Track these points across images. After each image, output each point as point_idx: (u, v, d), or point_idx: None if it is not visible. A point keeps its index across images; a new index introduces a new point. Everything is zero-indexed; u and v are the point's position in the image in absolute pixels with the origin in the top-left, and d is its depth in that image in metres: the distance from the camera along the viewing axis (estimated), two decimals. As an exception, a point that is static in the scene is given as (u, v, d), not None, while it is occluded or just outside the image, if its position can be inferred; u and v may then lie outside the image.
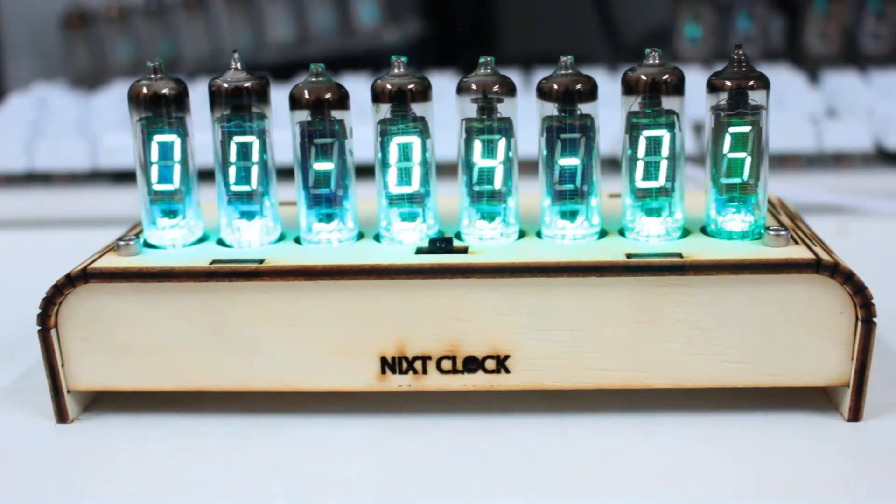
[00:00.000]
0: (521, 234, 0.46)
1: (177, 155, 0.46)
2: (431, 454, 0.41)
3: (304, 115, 0.45)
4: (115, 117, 0.87)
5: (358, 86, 0.87)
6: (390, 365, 0.43)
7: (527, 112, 0.46)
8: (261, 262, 0.43)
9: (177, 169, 0.46)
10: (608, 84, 0.53)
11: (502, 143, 0.45)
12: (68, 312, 0.43)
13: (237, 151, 0.45)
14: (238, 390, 0.44)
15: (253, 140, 0.45)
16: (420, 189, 0.45)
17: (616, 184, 0.47)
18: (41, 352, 0.43)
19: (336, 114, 0.45)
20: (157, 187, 0.46)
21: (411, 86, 0.44)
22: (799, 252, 0.42)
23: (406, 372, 0.43)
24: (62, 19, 1.09)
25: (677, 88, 0.44)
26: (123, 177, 0.83)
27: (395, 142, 0.45)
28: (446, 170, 0.54)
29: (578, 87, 0.44)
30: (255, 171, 0.46)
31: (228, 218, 0.46)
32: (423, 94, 0.45)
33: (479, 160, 0.45)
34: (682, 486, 0.38)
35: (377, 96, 0.45)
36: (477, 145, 0.45)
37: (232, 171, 0.46)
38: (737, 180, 0.44)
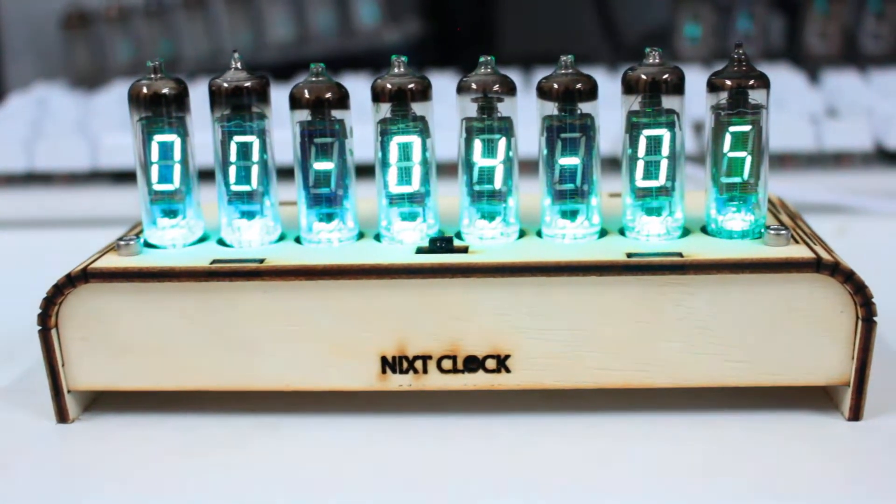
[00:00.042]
0: (522, 234, 0.46)
1: (177, 155, 0.46)
2: (431, 454, 0.41)
3: (305, 115, 0.45)
4: (115, 117, 0.87)
5: (358, 85, 0.87)
6: (391, 364, 0.43)
7: (527, 111, 0.46)
8: (261, 261, 0.43)
9: (177, 169, 0.46)
10: (608, 83, 0.53)
11: (502, 142, 0.45)
12: (68, 312, 0.43)
13: (237, 151, 0.45)
14: (238, 390, 0.44)
15: (253, 140, 0.45)
16: (420, 188, 0.45)
17: (616, 183, 0.47)
18: (41, 352, 0.43)
19: (336, 113, 0.45)
20: (158, 187, 0.46)
21: (411, 85, 0.44)
22: (799, 251, 0.42)
23: (406, 371, 0.43)
24: (62, 19, 1.08)
25: (677, 88, 0.44)
26: (123, 177, 0.83)
27: (396, 141, 0.45)
28: (446, 169, 0.54)
29: (578, 86, 0.44)
30: (255, 170, 0.46)
31: (229, 218, 0.46)
32: (424, 93, 0.45)
33: (479, 160, 0.45)
34: (682, 486, 0.38)
35: (377, 96, 0.45)
36: (477, 145, 0.45)
37: (232, 170, 0.46)
38: (737, 179, 0.44)
